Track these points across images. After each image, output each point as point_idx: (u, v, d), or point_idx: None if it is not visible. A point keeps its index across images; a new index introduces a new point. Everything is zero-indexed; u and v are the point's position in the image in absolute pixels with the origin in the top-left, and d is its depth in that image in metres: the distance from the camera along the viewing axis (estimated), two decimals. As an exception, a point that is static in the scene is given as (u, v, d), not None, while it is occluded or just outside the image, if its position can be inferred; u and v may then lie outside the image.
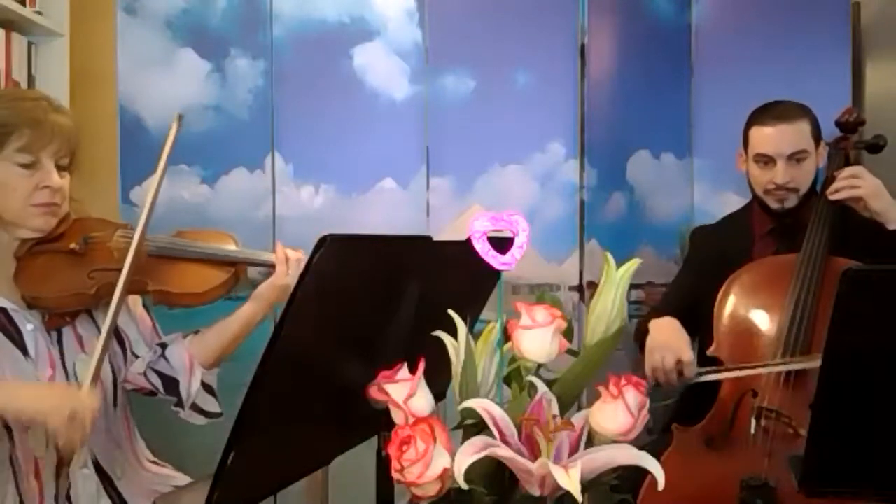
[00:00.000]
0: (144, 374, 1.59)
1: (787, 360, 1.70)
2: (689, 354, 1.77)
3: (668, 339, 1.80)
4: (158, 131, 2.42)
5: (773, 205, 1.98)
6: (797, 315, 1.74)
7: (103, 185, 2.35)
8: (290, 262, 1.58)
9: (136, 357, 1.60)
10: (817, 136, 1.97)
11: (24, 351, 1.44)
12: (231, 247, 1.63)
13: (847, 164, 2.04)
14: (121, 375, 1.57)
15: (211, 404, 1.62)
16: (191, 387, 1.58)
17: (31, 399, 1.33)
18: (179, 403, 1.60)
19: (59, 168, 1.46)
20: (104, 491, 1.50)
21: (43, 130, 1.42)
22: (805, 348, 1.70)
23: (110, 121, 2.39)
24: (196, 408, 1.60)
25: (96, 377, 1.35)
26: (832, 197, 1.88)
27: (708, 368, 1.79)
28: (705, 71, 2.60)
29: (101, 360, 1.37)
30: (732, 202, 2.35)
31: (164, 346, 1.61)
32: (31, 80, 2.27)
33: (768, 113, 1.98)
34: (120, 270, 1.41)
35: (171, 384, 1.58)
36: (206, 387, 1.60)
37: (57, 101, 1.51)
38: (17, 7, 2.17)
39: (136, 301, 1.64)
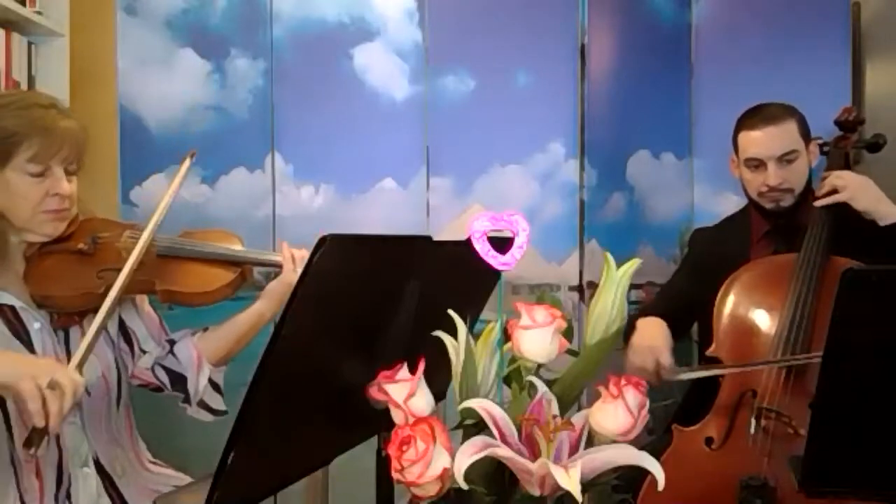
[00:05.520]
0: (152, 369, 1.60)
1: (776, 358, 1.70)
2: (667, 358, 1.78)
3: (650, 341, 1.82)
4: (158, 131, 2.42)
5: (769, 206, 1.98)
6: (797, 315, 1.74)
7: (103, 185, 2.35)
8: (296, 261, 1.60)
9: (144, 353, 1.61)
10: (806, 135, 1.98)
11: (31, 349, 1.44)
12: (238, 247, 1.64)
13: (847, 162, 2.04)
14: (127, 373, 1.58)
15: (217, 402, 1.63)
16: (198, 383, 1.59)
17: (7, 363, 1.28)
18: (186, 400, 1.61)
19: (68, 173, 1.47)
20: (104, 490, 1.50)
21: (53, 139, 1.42)
22: (805, 348, 1.70)
23: (110, 121, 2.39)
24: (203, 404, 1.61)
25: (84, 360, 1.33)
26: (816, 204, 1.89)
27: (685, 368, 1.82)
28: (705, 71, 2.60)
29: (92, 343, 1.35)
30: (732, 202, 2.35)
31: (172, 342, 1.62)
32: (31, 80, 2.28)
33: (755, 116, 1.98)
34: None
35: (178, 380, 1.59)
36: (213, 384, 1.61)
37: (63, 104, 1.52)
38: (17, 7, 2.18)
39: (143, 299, 1.64)
